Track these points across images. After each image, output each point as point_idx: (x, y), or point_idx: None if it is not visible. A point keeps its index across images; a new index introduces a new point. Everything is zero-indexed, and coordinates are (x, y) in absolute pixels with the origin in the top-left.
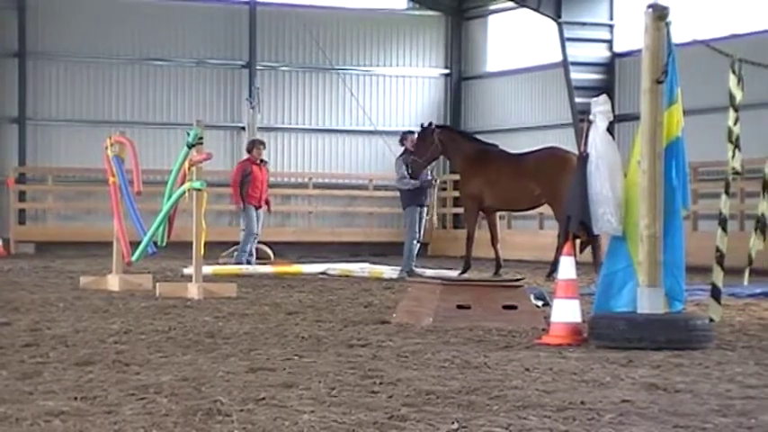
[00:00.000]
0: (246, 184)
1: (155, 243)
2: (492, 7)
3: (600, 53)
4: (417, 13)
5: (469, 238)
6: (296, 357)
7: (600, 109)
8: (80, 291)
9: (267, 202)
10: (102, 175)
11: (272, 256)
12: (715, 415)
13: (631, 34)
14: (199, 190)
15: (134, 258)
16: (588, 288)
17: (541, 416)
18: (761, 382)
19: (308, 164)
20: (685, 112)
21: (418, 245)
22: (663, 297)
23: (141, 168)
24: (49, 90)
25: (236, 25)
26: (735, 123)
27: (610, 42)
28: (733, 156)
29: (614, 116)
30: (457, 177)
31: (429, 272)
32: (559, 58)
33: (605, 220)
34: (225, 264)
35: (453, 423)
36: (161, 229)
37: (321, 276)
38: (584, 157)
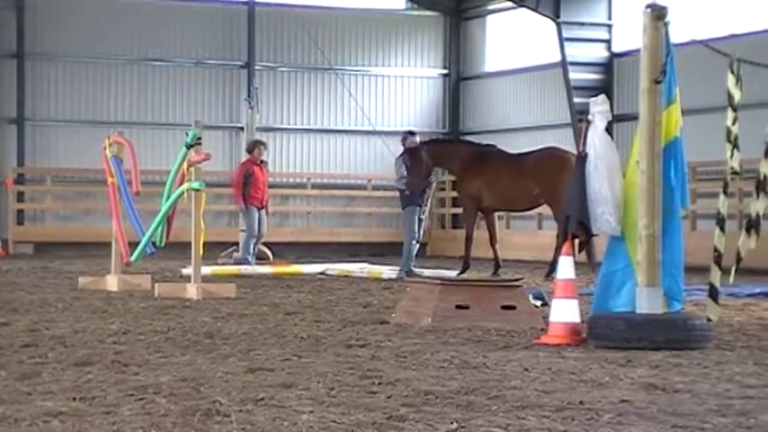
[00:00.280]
0: (248, 185)
1: (153, 243)
2: (490, 7)
3: (598, 53)
4: (416, 13)
5: (468, 239)
6: (295, 358)
7: (598, 109)
8: (79, 291)
9: (267, 204)
10: (101, 175)
11: (270, 256)
12: (714, 415)
13: (630, 34)
14: (197, 190)
15: (133, 259)
16: (587, 288)
17: (540, 416)
18: (760, 382)
19: (306, 164)
20: (684, 112)
21: (418, 245)
22: (661, 297)
23: (140, 169)
24: (47, 90)
25: (235, 25)
26: (733, 123)
27: (608, 42)
28: (731, 156)
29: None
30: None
31: (427, 272)
32: (558, 57)
33: (604, 219)
34: (224, 264)
35: (452, 423)
36: (160, 229)
37: (320, 277)
38: (582, 157)
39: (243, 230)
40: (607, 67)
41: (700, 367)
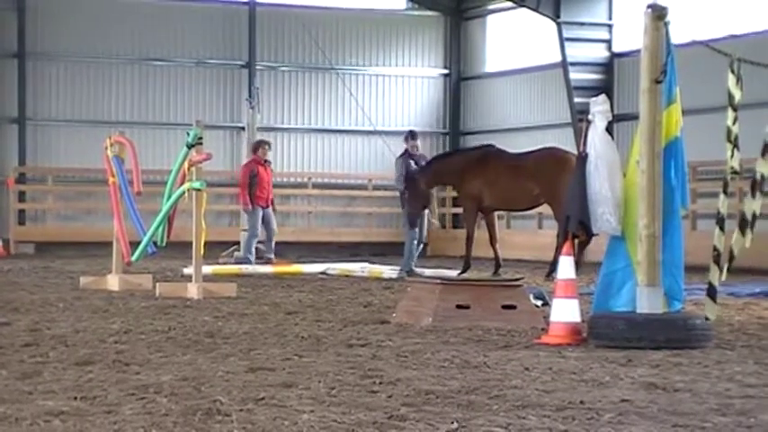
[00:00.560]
0: (254, 185)
1: (154, 243)
2: (491, 7)
3: (599, 53)
4: (416, 13)
5: (469, 238)
6: (295, 357)
7: (599, 109)
8: (80, 291)
9: (272, 203)
10: (102, 175)
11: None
12: (714, 414)
13: (630, 34)
14: (198, 190)
15: (134, 258)
16: (587, 287)
17: (541, 415)
18: (760, 381)
19: (307, 164)
20: (684, 112)
21: (421, 245)
22: (662, 297)
23: (141, 168)
24: (48, 90)
25: (236, 25)
26: (734, 123)
27: (609, 42)
28: (732, 155)
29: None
30: None
31: (428, 272)
32: (558, 58)
33: (604, 219)
34: (225, 264)
35: (453, 423)
36: (161, 229)
37: (321, 276)
38: (583, 157)
39: (244, 230)
40: (607, 67)
41: (700, 366)
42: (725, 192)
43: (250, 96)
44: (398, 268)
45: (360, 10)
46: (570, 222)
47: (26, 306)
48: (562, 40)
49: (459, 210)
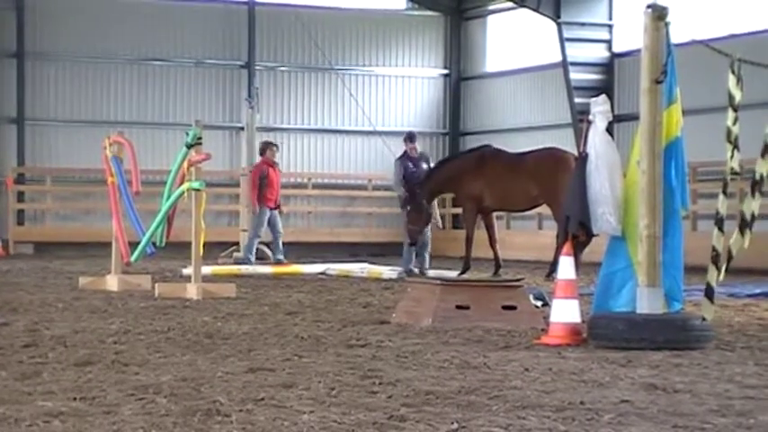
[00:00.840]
0: (263, 187)
1: (153, 243)
2: (491, 7)
3: (599, 53)
4: (416, 13)
5: (469, 239)
6: (295, 357)
7: (599, 109)
8: (79, 291)
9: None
10: (101, 175)
11: (270, 256)
12: (714, 415)
13: (630, 34)
14: (198, 190)
15: (133, 259)
16: (587, 288)
17: (541, 416)
18: (760, 383)
19: (307, 164)
20: (684, 112)
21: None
22: (662, 297)
23: (140, 168)
24: (47, 90)
25: (235, 25)
26: (734, 123)
27: (609, 42)
28: (732, 156)
29: (613, 116)
30: None
31: (428, 272)
32: (559, 58)
33: (605, 219)
34: (224, 264)
35: (453, 423)
36: (160, 229)
37: (320, 276)
38: (583, 157)
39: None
40: (608, 67)
41: (700, 367)
42: (724, 192)
43: (249, 96)
44: (398, 269)
45: (360, 10)
46: (570, 223)
47: (25, 306)
48: (562, 41)
49: (459, 210)
